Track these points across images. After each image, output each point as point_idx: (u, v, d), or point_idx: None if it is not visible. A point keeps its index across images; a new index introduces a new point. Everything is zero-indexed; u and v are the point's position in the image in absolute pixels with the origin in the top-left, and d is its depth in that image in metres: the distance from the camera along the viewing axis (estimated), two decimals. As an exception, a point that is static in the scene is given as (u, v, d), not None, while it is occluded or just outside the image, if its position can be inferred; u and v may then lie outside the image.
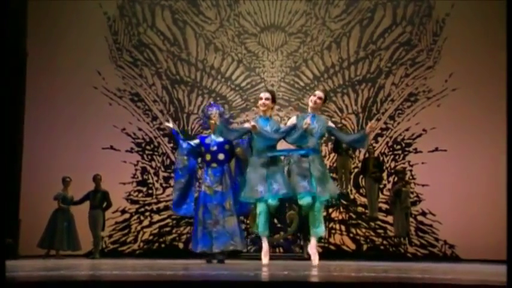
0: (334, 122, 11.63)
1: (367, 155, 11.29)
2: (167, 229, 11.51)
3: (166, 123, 7.16)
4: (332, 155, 11.60)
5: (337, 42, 12.06)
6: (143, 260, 8.58)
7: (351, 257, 10.38)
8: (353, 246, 11.37)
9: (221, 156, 6.81)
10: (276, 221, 10.02)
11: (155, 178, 11.69)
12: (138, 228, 11.54)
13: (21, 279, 4.03)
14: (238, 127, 6.58)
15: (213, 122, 6.72)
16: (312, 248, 5.77)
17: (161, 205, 11.59)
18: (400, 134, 11.76)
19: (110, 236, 11.34)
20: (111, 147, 11.57)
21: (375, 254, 10.66)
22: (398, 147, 11.74)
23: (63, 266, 5.73)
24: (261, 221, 5.76)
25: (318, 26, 12.11)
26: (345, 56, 12.04)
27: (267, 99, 6.08)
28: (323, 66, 12.06)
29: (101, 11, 11.91)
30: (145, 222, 11.50)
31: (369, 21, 12.06)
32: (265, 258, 5.82)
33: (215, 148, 6.83)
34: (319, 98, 5.88)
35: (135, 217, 11.52)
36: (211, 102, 7.24)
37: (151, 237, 11.47)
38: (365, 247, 11.35)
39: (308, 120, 5.71)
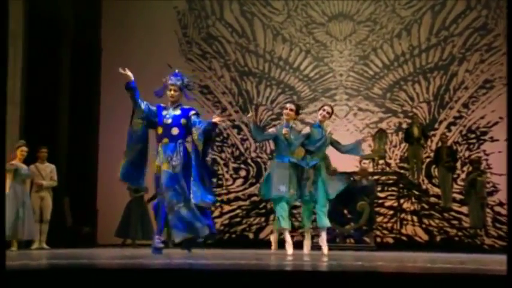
0: (404, 111, 11.63)
1: (440, 144, 11.02)
2: (237, 219, 11.65)
3: (122, 71, 6.05)
4: (403, 144, 11.39)
5: (407, 30, 11.79)
6: (214, 249, 8.72)
7: (424, 248, 10.16)
8: (425, 237, 11.14)
9: (175, 131, 5.95)
10: (346, 211, 9.97)
11: (225, 169, 11.83)
12: (209, 218, 11.71)
13: (101, 266, 4.19)
14: (269, 131, 6.87)
15: (172, 93, 6.06)
16: (323, 240, 6.65)
17: (231, 196, 11.73)
18: (474, 123, 11.40)
19: (182, 226, 11.57)
20: (182, 139, 11.80)
21: (449, 245, 10.39)
22: (473, 135, 11.38)
23: (140, 255, 5.90)
24: (282, 216, 6.44)
25: (387, 13, 11.87)
26: (415, 43, 11.76)
27: (291, 110, 6.70)
28: (393, 55, 11.83)
29: (171, 5, 12.13)
30: (216, 213, 11.66)
31: (441, 7, 11.72)
32: (289, 249, 6.43)
33: (170, 121, 5.97)
34: (328, 112, 6.72)
35: (206, 208, 11.68)
36: (176, 71, 6.33)
37: (222, 228, 11.63)
38: (438, 238, 11.10)
39: (332, 130, 6.80)
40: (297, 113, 6.80)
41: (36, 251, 7.77)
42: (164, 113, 6.03)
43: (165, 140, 5.95)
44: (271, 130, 6.83)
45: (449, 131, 11.45)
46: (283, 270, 3.73)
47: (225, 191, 11.77)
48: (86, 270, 3.73)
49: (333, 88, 11.84)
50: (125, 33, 11.86)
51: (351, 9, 11.98)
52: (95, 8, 11.75)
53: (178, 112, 6.01)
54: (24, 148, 8.20)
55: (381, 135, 11.03)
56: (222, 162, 11.85)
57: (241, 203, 11.65)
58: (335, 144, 6.91)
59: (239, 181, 11.68)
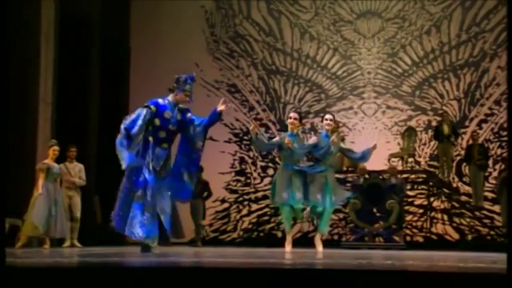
0: (434, 109, 11.49)
1: (471, 142, 10.87)
2: (265, 218, 11.64)
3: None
4: (433, 142, 11.25)
5: (437, 26, 11.65)
6: (243, 248, 8.73)
7: (454, 247, 10.03)
8: (456, 236, 11.00)
9: (173, 138, 5.88)
10: (375, 210, 9.90)
11: (253, 168, 11.85)
12: (237, 217, 11.75)
13: (131, 264, 4.23)
14: (273, 141, 7.06)
15: (187, 99, 5.82)
16: (318, 240, 6.96)
17: (259, 194, 11.73)
18: (506, 120, 11.20)
19: (211, 225, 11.63)
20: (210, 138, 11.80)
21: (480, 244, 10.23)
22: (505, 133, 11.19)
23: (171, 253, 5.94)
24: (286, 219, 6.93)
25: (416, 10, 11.75)
26: (445, 40, 11.62)
27: (295, 119, 6.89)
28: (422, 52, 11.70)
29: (198, 4, 12.19)
30: (244, 211, 11.69)
31: (471, 3, 11.55)
32: (288, 247, 6.85)
33: (175, 128, 5.78)
34: (331, 120, 6.95)
35: (234, 206, 11.73)
36: (194, 74, 6.02)
37: (250, 226, 11.65)
38: (470, 237, 10.94)
39: (335, 138, 6.92)
40: (300, 121, 7.04)
41: (68, 249, 7.88)
42: (167, 116, 5.74)
43: (165, 145, 5.78)
44: (275, 139, 7.07)
45: (481, 128, 11.28)
46: (313, 269, 3.72)
47: (252, 190, 11.79)
48: (117, 268, 3.77)
49: (361, 86, 11.77)
50: (152, 32, 11.97)
51: (379, 7, 11.88)
52: (123, 9, 11.89)
53: (180, 117, 5.80)
54: (56, 147, 8.31)
55: (410, 133, 10.94)
56: (250, 161, 11.86)
57: (269, 201, 11.62)
58: (346, 153, 7.35)
59: (267, 180, 11.67)
